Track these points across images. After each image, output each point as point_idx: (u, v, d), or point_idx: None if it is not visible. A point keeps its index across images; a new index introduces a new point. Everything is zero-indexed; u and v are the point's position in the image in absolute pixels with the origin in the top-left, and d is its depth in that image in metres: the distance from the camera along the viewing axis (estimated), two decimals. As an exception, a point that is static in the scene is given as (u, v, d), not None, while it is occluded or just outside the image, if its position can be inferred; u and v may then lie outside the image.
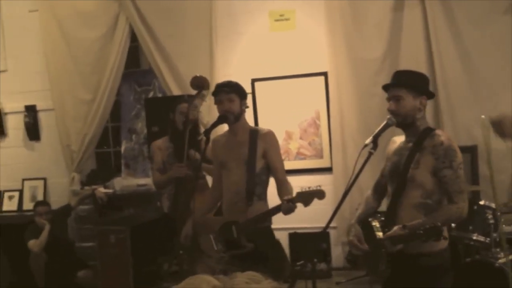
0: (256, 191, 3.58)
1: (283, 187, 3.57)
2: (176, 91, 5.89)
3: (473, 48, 5.47)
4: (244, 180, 3.57)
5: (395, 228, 2.89)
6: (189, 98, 4.47)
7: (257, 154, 3.58)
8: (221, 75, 5.73)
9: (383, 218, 3.10)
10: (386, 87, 3.10)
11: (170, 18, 6.00)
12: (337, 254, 5.80)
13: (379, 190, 3.25)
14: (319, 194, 3.34)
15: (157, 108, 5.38)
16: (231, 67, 5.92)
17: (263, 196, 3.62)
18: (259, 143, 3.59)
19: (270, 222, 3.68)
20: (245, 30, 6.00)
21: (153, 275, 4.78)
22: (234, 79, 3.81)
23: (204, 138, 3.62)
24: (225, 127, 3.85)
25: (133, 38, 6.21)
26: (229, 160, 3.65)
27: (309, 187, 3.37)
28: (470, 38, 5.48)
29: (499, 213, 4.07)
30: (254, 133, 3.61)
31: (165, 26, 6.00)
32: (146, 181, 6.13)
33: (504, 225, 4.21)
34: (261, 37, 5.97)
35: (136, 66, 6.63)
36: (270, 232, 3.69)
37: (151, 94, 6.40)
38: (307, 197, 3.33)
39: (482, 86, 5.45)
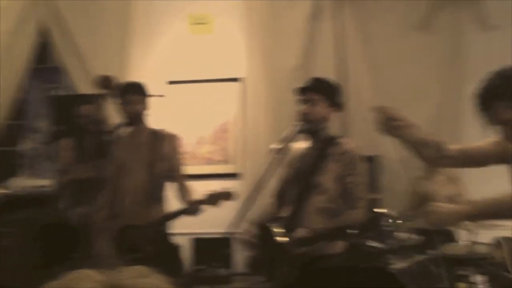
0: (156, 194, 3.55)
1: (184, 190, 3.57)
2: (86, 90, 5.74)
3: (384, 61, 5.70)
4: (144, 183, 3.53)
5: (300, 231, 2.97)
6: (95, 98, 4.37)
7: (158, 157, 3.55)
8: (135, 76, 5.64)
9: (283, 224, 3.17)
10: (302, 90, 3.16)
11: (85, 15, 5.86)
12: (239, 259, 5.84)
13: (278, 196, 3.32)
14: (227, 195, 3.35)
15: (62, 106, 5.22)
16: (146, 68, 5.84)
17: (163, 199, 3.60)
18: (161, 145, 3.57)
19: (168, 226, 3.65)
20: (163, 32, 5.95)
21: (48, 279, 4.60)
22: (149, 80, 3.77)
23: (109, 139, 3.56)
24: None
25: (43, 33, 5.99)
26: (129, 162, 3.60)
27: (217, 190, 3.38)
28: (381, 51, 5.70)
29: (395, 221, 4.26)
30: (156, 135, 3.59)
31: (79, 23, 5.84)
32: (47, 182, 5.92)
33: (399, 232, 4.42)
34: (178, 40, 5.94)
35: (44, 62, 6.40)
36: (169, 236, 3.66)
37: (58, 92, 6.20)
38: (215, 198, 3.34)
39: (389, 98, 5.67)
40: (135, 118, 3.54)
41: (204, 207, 3.39)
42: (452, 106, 5.66)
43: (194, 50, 5.93)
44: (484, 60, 5.58)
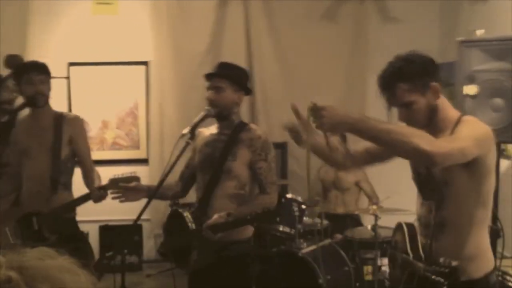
0: (61, 180, 3.38)
1: (91, 175, 3.42)
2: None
3: (290, 49, 5.77)
4: (49, 168, 3.35)
5: (216, 216, 2.92)
6: None
7: (62, 141, 3.38)
8: (36, 56, 5.33)
9: (193, 210, 3.12)
10: (208, 76, 3.12)
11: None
12: (150, 246, 5.74)
13: (184, 180, 3.27)
14: (133, 179, 3.23)
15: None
16: (47, 49, 5.54)
17: (69, 185, 3.43)
18: (65, 129, 3.39)
19: (74, 213, 3.50)
20: (66, 12, 5.67)
21: None
22: (50, 61, 3.55)
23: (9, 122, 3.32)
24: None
25: None
26: (32, 147, 3.40)
27: (122, 174, 3.26)
28: (288, 39, 5.76)
29: (304, 206, 4.33)
30: (60, 118, 3.40)
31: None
32: None
33: (307, 218, 4.50)
34: (83, 20, 5.69)
35: None
36: (74, 223, 3.51)
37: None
38: (120, 183, 3.21)
39: (297, 86, 5.76)
40: (37, 100, 3.33)
41: (109, 192, 3.24)
42: (357, 94, 5.82)
43: (98, 31, 5.70)
44: (386, 51, 5.80)
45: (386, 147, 2.06)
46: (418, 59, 2.19)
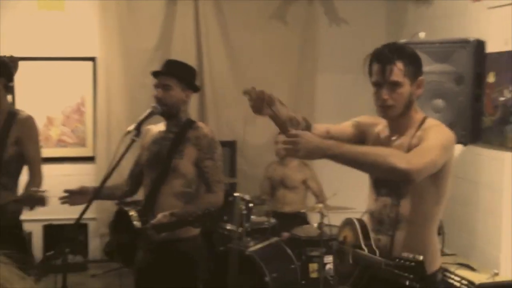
0: (2, 180, 3.25)
1: (31, 180, 3.30)
2: None
3: (241, 48, 5.78)
4: None
5: (159, 216, 2.90)
6: None
7: (8, 140, 3.26)
8: (-22, 50, 5.19)
9: (139, 208, 3.08)
10: (156, 74, 3.09)
11: None
12: (95, 246, 5.65)
13: (133, 178, 3.23)
14: (41, 200, 3.09)
15: None
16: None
17: (10, 186, 3.26)
18: (14, 128, 3.26)
19: (18, 214, 3.36)
20: (11, 6, 5.51)
21: None
22: (-8, 55, 3.44)
23: None
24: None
25: None
26: None
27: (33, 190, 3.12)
28: (238, 38, 5.77)
29: (252, 205, 4.35)
30: (11, 117, 3.29)
31: None
32: None
33: (255, 216, 4.52)
34: (29, 15, 5.54)
35: None
36: (17, 224, 3.37)
37: None
38: (29, 201, 3.07)
39: (247, 85, 5.70)
40: None
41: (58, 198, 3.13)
42: (306, 93, 5.89)
43: (44, 26, 5.57)
44: (334, 51, 5.90)
45: (363, 170, 2.08)
46: (415, 51, 2.27)
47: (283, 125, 2.12)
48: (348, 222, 2.46)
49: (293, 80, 5.88)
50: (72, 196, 3.06)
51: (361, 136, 2.43)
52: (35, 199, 3.01)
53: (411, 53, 2.24)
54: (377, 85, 2.23)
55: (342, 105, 5.89)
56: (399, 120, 2.26)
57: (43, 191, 3.06)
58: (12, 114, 3.29)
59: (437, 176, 2.16)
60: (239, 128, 5.79)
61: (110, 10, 5.59)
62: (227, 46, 5.79)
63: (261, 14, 5.80)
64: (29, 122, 3.32)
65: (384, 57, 2.20)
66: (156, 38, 5.66)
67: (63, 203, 3.05)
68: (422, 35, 4.07)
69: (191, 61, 5.46)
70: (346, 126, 2.48)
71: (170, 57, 5.48)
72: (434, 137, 2.14)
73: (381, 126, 2.38)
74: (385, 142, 2.30)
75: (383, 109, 2.25)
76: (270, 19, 5.83)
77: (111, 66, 5.62)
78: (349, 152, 2.01)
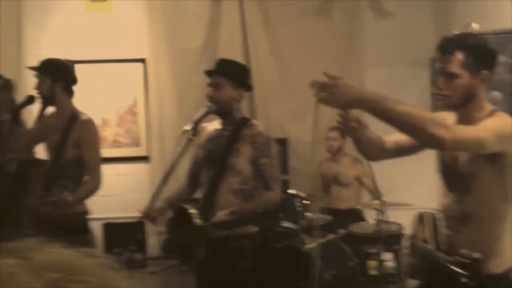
0: (61, 182, 3.30)
1: (88, 182, 3.35)
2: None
3: (286, 45, 5.76)
4: (51, 168, 3.32)
5: (220, 214, 2.92)
6: None
7: (68, 142, 3.32)
8: (31, 54, 5.33)
9: (198, 206, 3.11)
10: (208, 73, 3.11)
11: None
12: (153, 243, 5.73)
13: (192, 178, 3.26)
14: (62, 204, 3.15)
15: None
16: (42, 46, 5.51)
17: (72, 188, 3.28)
18: (74, 130, 3.32)
19: (84, 212, 3.42)
20: (60, 8, 5.64)
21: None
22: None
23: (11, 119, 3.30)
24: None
25: None
26: (46, 146, 3.40)
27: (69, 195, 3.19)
28: (283, 35, 5.75)
29: (306, 202, 4.32)
30: (73, 119, 3.36)
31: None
32: None
33: (310, 213, 4.49)
34: (77, 17, 5.65)
35: None
36: (77, 226, 3.43)
37: None
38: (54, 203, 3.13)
39: (293, 81, 5.75)
40: (46, 99, 3.32)
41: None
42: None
43: (92, 28, 5.67)
44: (380, 45, 5.81)
45: (400, 130, 2.02)
46: (483, 44, 2.21)
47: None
48: (421, 217, 2.43)
49: (340, 75, 5.76)
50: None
51: None
52: (60, 203, 3.07)
53: (476, 45, 2.18)
54: (438, 74, 2.21)
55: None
56: (462, 112, 2.21)
57: (69, 195, 3.11)
58: (73, 117, 3.35)
59: (498, 170, 2.12)
60: (289, 125, 5.77)
61: (156, 11, 5.65)
62: (273, 43, 5.78)
63: (306, 10, 5.77)
64: (88, 124, 3.37)
65: (444, 46, 2.18)
66: (202, 38, 5.70)
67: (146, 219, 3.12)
68: (475, 26, 3.96)
69: (238, 59, 5.46)
70: None
71: (217, 56, 5.51)
72: (491, 122, 2.10)
73: (450, 119, 2.32)
74: None
75: (440, 98, 2.22)
76: (315, 14, 5.78)
77: (160, 67, 5.68)
78: (390, 109, 1.93)
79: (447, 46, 2.17)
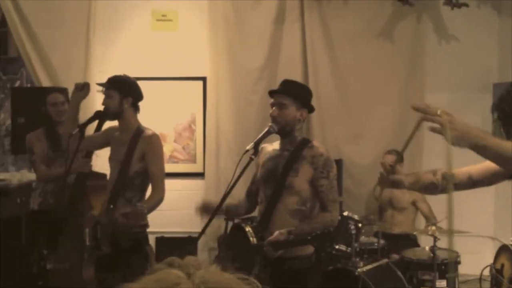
0: (126, 194, 3.42)
1: (151, 196, 3.45)
2: (46, 83, 5.58)
3: (347, 67, 5.76)
4: (115, 180, 3.43)
5: (276, 233, 2.95)
6: (62, 89, 4.30)
7: (134, 155, 3.43)
8: (97, 70, 5.54)
9: (255, 224, 3.15)
10: (272, 93, 3.16)
11: (46, 6, 5.67)
12: (204, 259, 5.78)
13: (251, 196, 3.30)
14: (141, 216, 3.19)
15: (24, 98, 5.09)
16: (108, 63, 5.72)
17: (136, 201, 3.40)
18: (140, 144, 3.45)
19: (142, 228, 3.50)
20: (126, 27, 5.84)
21: (23, 274, 4.45)
22: (110, 75, 3.67)
23: (79, 133, 3.43)
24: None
25: (2, 23, 5.79)
26: (111, 158, 3.53)
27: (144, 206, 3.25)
28: (344, 56, 5.76)
29: (361, 225, 4.30)
30: (138, 133, 3.48)
31: (40, 14, 5.65)
32: (4, 175, 5.74)
33: (364, 236, 4.47)
34: (142, 35, 5.84)
35: (3, 53, 6.19)
36: (140, 238, 3.51)
37: (17, 84, 6.01)
38: (132, 215, 3.19)
39: (352, 103, 5.76)
40: (107, 113, 3.46)
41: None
42: (414, 113, 5.73)
43: (157, 46, 5.84)
44: (443, 69, 5.75)
45: (507, 166, 1.96)
46: None
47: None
48: (508, 250, 2.32)
49: (400, 99, 5.77)
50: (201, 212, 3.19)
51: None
52: (136, 214, 3.14)
53: None
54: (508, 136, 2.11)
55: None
56: None
57: (144, 207, 3.18)
58: (139, 132, 3.48)
59: None
60: (345, 147, 5.76)
61: (219, 31, 5.76)
62: (333, 65, 5.79)
63: (367, 32, 5.76)
64: (153, 139, 3.49)
65: (502, 115, 2.05)
66: (263, 58, 5.77)
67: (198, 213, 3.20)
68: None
69: (297, 79, 5.53)
70: (488, 164, 2.33)
71: (277, 76, 5.59)
72: None
73: None
74: None
75: None
76: (377, 36, 5.77)
77: (220, 85, 5.78)
78: (497, 145, 1.88)
79: (505, 113, 2.05)
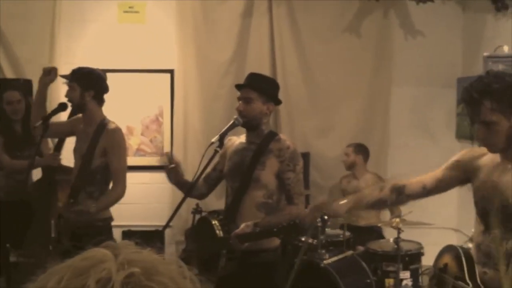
0: (87, 189, 3.39)
1: (112, 189, 3.42)
2: (10, 75, 5.49)
3: (314, 61, 5.80)
4: (79, 176, 3.40)
5: (243, 226, 2.96)
6: (21, 83, 4.23)
7: (96, 150, 3.40)
8: (63, 63, 5.45)
9: (221, 217, 3.16)
10: (239, 87, 3.17)
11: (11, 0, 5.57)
12: (171, 252, 5.78)
13: (208, 181, 3.30)
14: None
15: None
16: (74, 55, 5.64)
17: (97, 196, 3.39)
18: (102, 138, 3.41)
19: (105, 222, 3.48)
20: (93, 19, 5.77)
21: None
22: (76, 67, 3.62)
23: (42, 125, 3.38)
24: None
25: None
26: (75, 151, 3.49)
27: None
28: (311, 50, 5.80)
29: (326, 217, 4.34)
30: (101, 127, 3.45)
31: (5, 5, 5.54)
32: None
33: (330, 229, 4.52)
34: (109, 28, 5.78)
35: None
36: (102, 231, 3.49)
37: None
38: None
39: (320, 97, 5.80)
40: (76, 106, 3.42)
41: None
42: (380, 107, 5.83)
43: (124, 39, 5.78)
44: (410, 64, 5.84)
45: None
46: (510, 79, 2.09)
47: None
48: (451, 249, 2.36)
49: (367, 93, 5.85)
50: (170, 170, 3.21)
51: (465, 176, 2.32)
52: (81, 212, 3.21)
53: (502, 87, 2.06)
54: (473, 122, 2.15)
55: (417, 119, 5.82)
56: (508, 151, 2.13)
57: (92, 206, 3.25)
58: (102, 125, 3.44)
59: None
60: (312, 140, 5.81)
61: (187, 23, 5.73)
62: (301, 59, 5.82)
63: (335, 26, 5.81)
64: (116, 133, 3.45)
65: (469, 98, 2.10)
66: (231, 51, 5.76)
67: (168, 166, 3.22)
68: (506, 48, 3.99)
69: (265, 73, 5.54)
70: (441, 172, 2.36)
71: (245, 69, 5.59)
72: None
73: (488, 155, 2.24)
74: (502, 169, 2.18)
75: (484, 146, 2.16)
76: (344, 32, 5.82)
77: (187, 78, 5.76)
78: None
79: (471, 98, 2.09)
